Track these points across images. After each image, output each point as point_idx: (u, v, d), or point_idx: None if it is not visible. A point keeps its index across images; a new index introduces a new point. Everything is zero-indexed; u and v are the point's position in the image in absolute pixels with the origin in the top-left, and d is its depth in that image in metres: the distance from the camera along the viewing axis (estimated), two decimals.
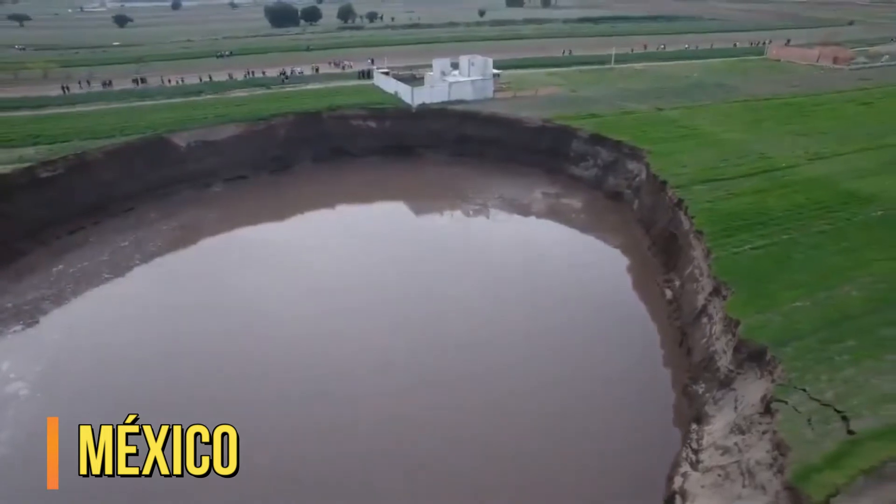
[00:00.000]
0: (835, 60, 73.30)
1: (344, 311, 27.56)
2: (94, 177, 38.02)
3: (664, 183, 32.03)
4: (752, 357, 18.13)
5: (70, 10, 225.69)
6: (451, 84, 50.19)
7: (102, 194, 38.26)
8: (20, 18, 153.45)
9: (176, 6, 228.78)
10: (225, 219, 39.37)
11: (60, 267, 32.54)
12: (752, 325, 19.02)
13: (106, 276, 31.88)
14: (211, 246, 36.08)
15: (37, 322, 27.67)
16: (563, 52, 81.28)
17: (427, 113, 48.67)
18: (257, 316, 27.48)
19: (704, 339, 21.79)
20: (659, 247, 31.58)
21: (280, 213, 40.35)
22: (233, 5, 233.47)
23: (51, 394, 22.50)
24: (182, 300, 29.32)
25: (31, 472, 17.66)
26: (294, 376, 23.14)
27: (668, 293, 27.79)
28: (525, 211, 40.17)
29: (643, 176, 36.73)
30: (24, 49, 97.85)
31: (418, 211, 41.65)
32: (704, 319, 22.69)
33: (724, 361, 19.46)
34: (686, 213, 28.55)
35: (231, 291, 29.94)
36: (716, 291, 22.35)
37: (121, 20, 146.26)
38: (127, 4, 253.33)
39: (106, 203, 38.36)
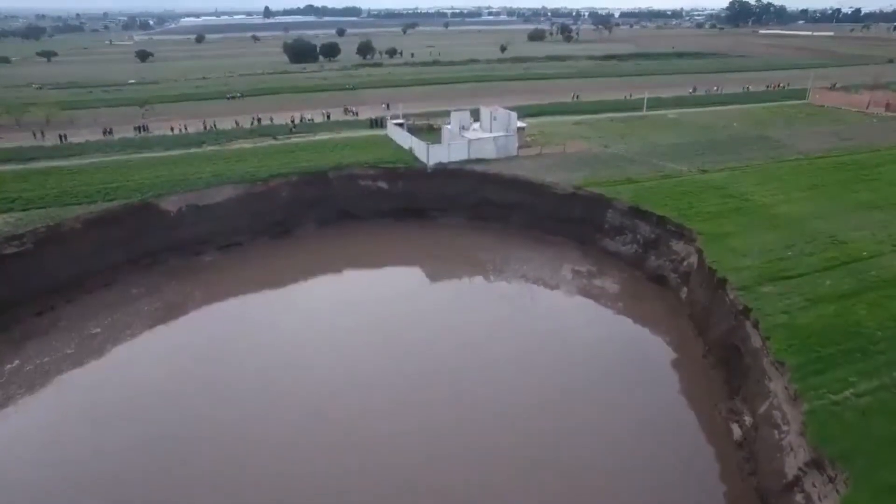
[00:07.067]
0: (887, 107, 67.65)
1: (345, 424, 23.20)
2: (69, 249, 34.00)
3: (723, 281, 26.65)
4: None
5: (107, 42, 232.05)
6: (470, 141, 45.58)
7: (79, 268, 34.15)
8: (48, 55, 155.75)
9: (200, 39, 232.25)
10: (214, 295, 34.99)
11: (16, 363, 28.18)
12: None
13: (63, 376, 27.36)
14: (195, 332, 31.56)
15: None
16: (572, 97, 78.09)
17: (444, 173, 44.04)
18: (244, 435, 22.70)
19: None
20: (718, 358, 26.12)
21: (276, 286, 36.07)
22: (255, 38, 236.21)
23: None
24: (153, 413, 24.52)
25: None
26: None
27: (737, 431, 22.24)
28: (553, 293, 34.97)
29: (692, 261, 31.46)
30: (41, 87, 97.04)
31: (430, 290, 36.60)
32: (799, 497, 17.14)
33: None
34: (756, 328, 23.11)
35: (215, 395, 25.44)
36: (815, 464, 16.84)
37: (142, 55, 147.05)
38: (155, 38, 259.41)
39: (82, 278, 34.23)
